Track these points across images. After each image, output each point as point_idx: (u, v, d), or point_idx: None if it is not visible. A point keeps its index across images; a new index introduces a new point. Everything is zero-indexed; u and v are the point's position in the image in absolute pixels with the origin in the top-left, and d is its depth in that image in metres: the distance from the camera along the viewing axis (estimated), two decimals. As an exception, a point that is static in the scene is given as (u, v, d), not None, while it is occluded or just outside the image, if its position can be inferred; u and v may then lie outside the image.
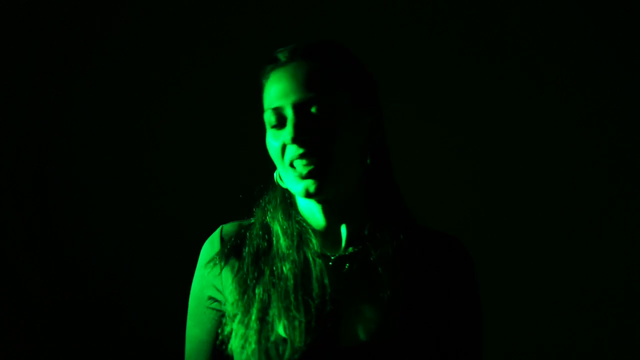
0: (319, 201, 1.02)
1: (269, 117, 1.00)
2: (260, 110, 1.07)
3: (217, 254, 1.08)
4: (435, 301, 1.00)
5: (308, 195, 0.99)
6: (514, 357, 2.32)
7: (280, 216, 1.06)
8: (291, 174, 0.99)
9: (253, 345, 0.99)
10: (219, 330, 1.05)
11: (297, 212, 1.06)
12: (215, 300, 1.09)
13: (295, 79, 0.97)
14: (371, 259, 1.01)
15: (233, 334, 1.02)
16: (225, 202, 1.98)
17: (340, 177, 1.00)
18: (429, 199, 2.31)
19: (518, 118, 2.29)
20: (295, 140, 0.96)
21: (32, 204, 2.28)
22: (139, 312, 2.29)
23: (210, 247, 1.12)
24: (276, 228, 1.04)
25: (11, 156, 2.27)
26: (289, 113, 0.97)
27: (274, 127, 1.00)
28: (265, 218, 1.07)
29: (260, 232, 1.06)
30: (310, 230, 1.04)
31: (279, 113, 0.99)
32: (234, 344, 1.01)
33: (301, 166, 0.97)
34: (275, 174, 1.07)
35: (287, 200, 1.07)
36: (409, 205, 1.14)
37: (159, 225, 2.29)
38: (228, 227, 1.12)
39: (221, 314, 1.07)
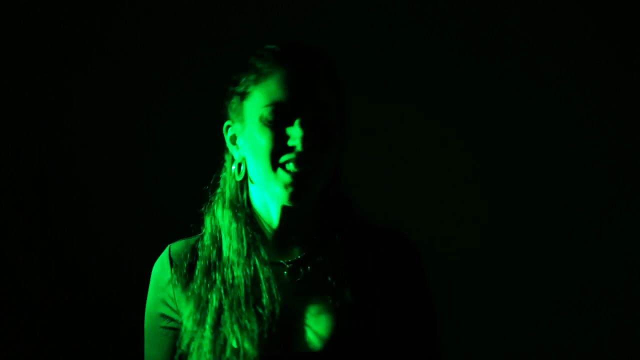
0: (290, 206, 1.00)
1: (266, 112, 0.97)
2: (235, 94, 1.05)
3: (168, 273, 1.09)
4: (386, 299, 0.99)
5: (291, 200, 0.97)
6: (514, 357, 2.32)
7: (228, 218, 1.04)
8: (279, 176, 0.96)
9: (208, 355, 0.98)
10: (177, 345, 1.05)
11: (247, 214, 1.04)
12: (171, 319, 1.09)
13: (311, 83, 0.96)
14: (320, 261, 1.01)
15: (190, 347, 1.02)
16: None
17: (319, 186, 1.00)
18: (428, 198, 2.31)
19: (518, 118, 2.29)
20: (304, 140, 0.94)
21: (32, 204, 2.28)
22: (139, 312, 2.28)
23: (161, 267, 1.13)
24: (225, 231, 1.03)
25: (11, 156, 2.27)
26: (299, 114, 0.95)
27: (270, 122, 0.97)
28: (214, 220, 1.07)
29: (209, 241, 1.05)
30: (259, 237, 1.03)
31: (281, 110, 0.96)
32: (191, 355, 1.01)
33: (295, 168, 0.96)
34: (234, 168, 1.05)
35: (236, 202, 1.05)
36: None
37: (159, 225, 2.29)
38: (176, 246, 1.12)
39: (176, 331, 1.07)
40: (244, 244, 1.01)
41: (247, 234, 1.02)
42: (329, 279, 0.99)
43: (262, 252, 1.01)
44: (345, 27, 2.26)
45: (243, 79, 1.03)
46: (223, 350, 0.98)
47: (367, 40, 2.26)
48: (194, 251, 1.08)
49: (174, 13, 2.27)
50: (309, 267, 1.01)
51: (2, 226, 2.27)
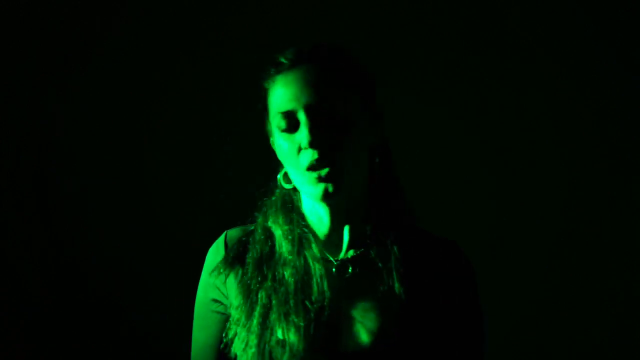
0: (328, 204, 1.02)
1: (278, 122, 1.01)
2: (262, 113, 1.09)
3: (222, 260, 1.10)
4: (436, 306, 1.01)
5: (326, 197, 0.99)
6: (514, 357, 2.32)
7: (281, 220, 1.07)
8: (307, 178, 0.99)
9: (254, 349, 1.00)
10: (223, 334, 1.06)
11: (299, 216, 1.07)
12: (220, 303, 1.10)
13: (306, 83, 0.98)
14: (374, 262, 1.02)
15: (236, 337, 1.03)
16: (224, 202, 1.98)
17: (353, 179, 1.01)
18: (429, 199, 2.31)
19: (518, 118, 2.29)
20: (312, 144, 0.96)
21: (32, 204, 2.28)
22: (139, 312, 2.29)
23: (216, 252, 1.13)
24: (277, 233, 1.06)
25: (11, 156, 2.27)
26: (302, 117, 0.98)
27: (284, 130, 1.00)
28: (267, 222, 1.08)
29: (263, 237, 1.07)
30: (311, 235, 1.05)
31: (290, 117, 0.99)
32: (236, 347, 1.03)
33: (318, 169, 0.98)
34: (279, 176, 1.08)
35: (288, 204, 1.08)
36: (412, 205, 1.13)
37: (158, 225, 2.29)
38: (232, 233, 1.13)
39: (225, 318, 1.08)
40: (295, 243, 1.03)
41: (299, 234, 1.04)
42: (384, 277, 1.00)
43: (315, 250, 1.03)
44: (345, 27, 2.26)
45: (263, 98, 1.06)
46: (268, 343, 1.00)
47: (367, 40, 2.26)
48: (249, 239, 1.10)
49: (174, 13, 2.27)
50: (357, 269, 1.02)
51: (2, 226, 2.27)
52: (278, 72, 1.02)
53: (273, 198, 1.10)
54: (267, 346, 0.99)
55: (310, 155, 0.97)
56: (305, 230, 1.05)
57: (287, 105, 0.99)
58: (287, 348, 0.97)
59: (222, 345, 1.06)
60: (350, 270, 1.03)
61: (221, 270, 1.08)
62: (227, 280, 1.09)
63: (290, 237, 1.03)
